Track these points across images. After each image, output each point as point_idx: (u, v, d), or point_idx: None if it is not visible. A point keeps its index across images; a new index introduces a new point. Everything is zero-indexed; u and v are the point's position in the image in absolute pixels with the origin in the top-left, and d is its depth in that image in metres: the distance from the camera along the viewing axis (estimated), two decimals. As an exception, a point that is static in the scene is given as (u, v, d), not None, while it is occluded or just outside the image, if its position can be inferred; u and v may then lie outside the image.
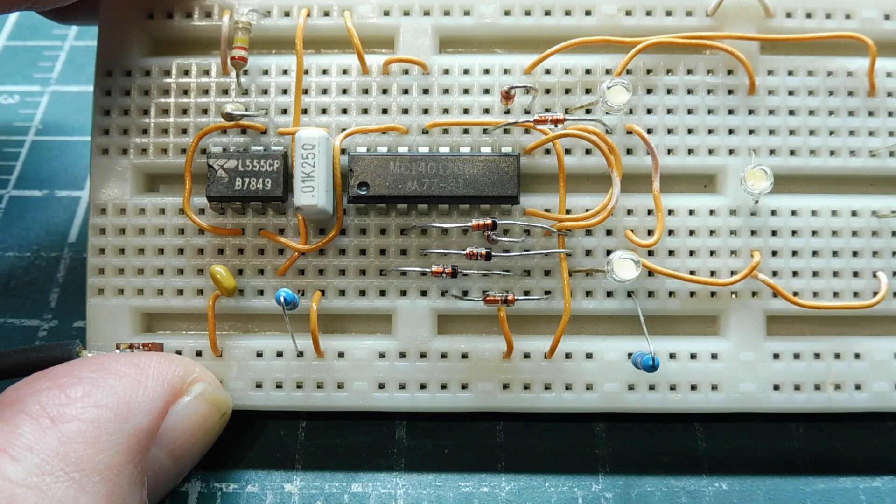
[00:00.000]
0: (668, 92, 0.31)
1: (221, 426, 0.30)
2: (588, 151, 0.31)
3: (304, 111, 0.31)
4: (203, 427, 0.28)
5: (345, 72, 0.32)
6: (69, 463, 0.24)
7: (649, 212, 0.31)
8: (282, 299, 0.28)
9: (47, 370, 0.27)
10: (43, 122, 0.41)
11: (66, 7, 0.31)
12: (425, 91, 0.31)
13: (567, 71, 0.31)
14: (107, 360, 0.27)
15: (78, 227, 0.37)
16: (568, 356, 0.31)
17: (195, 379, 0.29)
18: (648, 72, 0.32)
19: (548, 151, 0.31)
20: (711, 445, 0.31)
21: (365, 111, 0.31)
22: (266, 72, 0.32)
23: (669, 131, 0.31)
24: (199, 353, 0.31)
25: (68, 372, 0.26)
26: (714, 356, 0.31)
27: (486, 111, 0.31)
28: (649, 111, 0.31)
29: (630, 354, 0.30)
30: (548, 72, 0.32)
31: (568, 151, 0.31)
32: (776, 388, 0.31)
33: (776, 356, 0.31)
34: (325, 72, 0.32)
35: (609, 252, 0.31)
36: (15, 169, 0.39)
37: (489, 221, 0.30)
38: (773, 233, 0.31)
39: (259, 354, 0.31)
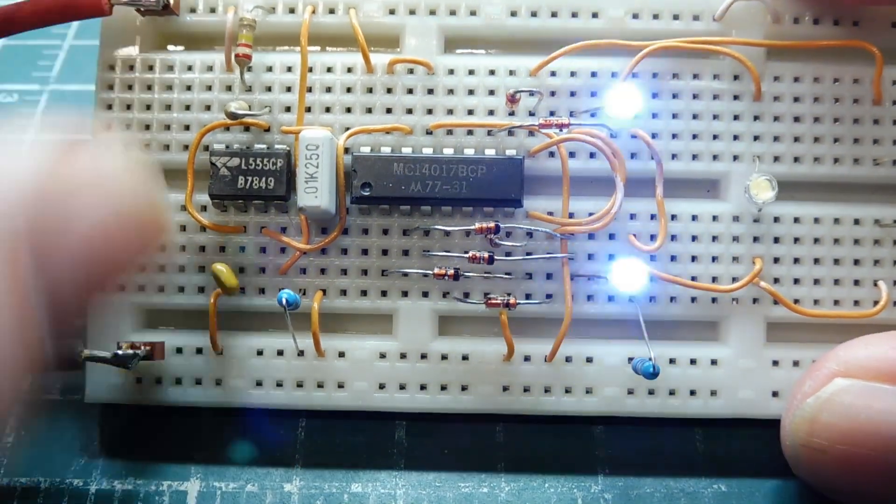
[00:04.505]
0: (674, 96, 0.31)
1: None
2: (592, 155, 0.31)
3: (308, 109, 0.31)
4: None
5: (349, 70, 0.31)
6: None
7: (652, 216, 0.31)
8: (284, 301, 0.28)
9: None
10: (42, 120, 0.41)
11: None
12: (430, 91, 0.31)
13: (573, 73, 0.31)
14: None
15: (79, 223, 0.37)
16: (568, 360, 0.31)
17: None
18: (654, 76, 0.31)
19: (551, 154, 0.31)
20: (710, 447, 0.31)
21: (369, 110, 0.31)
22: (270, 69, 0.31)
23: (674, 136, 0.31)
24: (199, 351, 0.31)
25: None
26: (714, 362, 0.31)
27: (491, 112, 0.31)
28: (654, 115, 0.31)
29: (630, 359, 0.31)
30: (553, 73, 0.31)
31: (572, 154, 0.31)
32: (775, 395, 0.31)
33: (775, 363, 0.31)
34: (329, 70, 0.31)
35: (611, 256, 0.31)
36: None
37: (492, 225, 0.30)
38: (776, 240, 0.31)
39: (259, 353, 0.31)
